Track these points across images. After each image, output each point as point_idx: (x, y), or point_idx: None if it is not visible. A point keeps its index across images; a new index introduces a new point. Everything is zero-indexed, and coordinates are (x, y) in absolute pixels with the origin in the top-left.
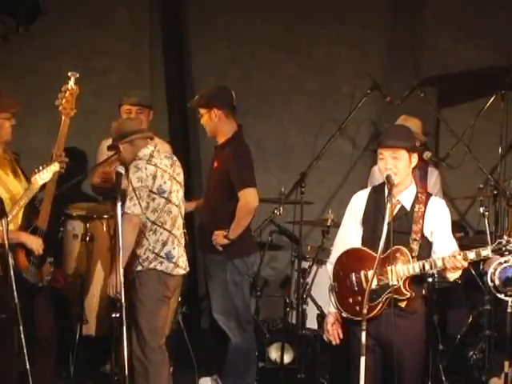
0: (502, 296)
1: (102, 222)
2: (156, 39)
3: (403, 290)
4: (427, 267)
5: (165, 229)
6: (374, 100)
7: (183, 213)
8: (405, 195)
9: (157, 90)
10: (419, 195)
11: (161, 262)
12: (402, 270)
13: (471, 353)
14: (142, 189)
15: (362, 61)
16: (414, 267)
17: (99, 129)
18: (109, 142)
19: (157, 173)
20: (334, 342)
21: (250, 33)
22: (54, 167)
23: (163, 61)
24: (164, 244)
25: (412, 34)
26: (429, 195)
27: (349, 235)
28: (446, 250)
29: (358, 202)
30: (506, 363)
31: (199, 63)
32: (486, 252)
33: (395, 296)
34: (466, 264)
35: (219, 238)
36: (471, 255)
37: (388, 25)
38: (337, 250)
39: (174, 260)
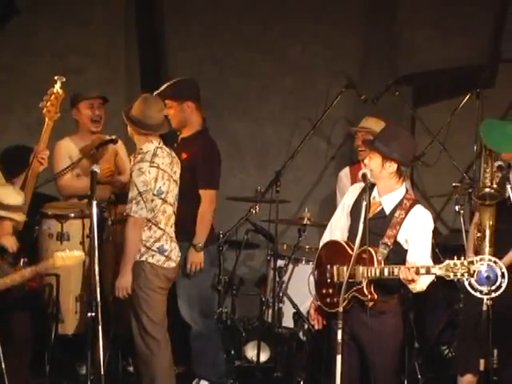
0: (477, 294)
1: (77, 221)
2: (132, 39)
3: (365, 291)
4: (386, 273)
5: (159, 227)
6: (349, 98)
7: (175, 211)
8: (388, 198)
9: (132, 89)
10: (404, 201)
11: (152, 255)
12: (364, 271)
13: (446, 351)
14: (147, 192)
15: (338, 59)
16: (376, 271)
17: (74, 128)
18: (68, 142)
19: (158, 175)
20: (316, 327)
21: (226, 32)
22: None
23: (139, 60)
24: (156, 241)
25: (387, 33)
26: (414, 203)
27: (338, 222)
28: (416, 260)
29: (351, 195)
30: (482, 361)
31: (175, 62)
32: (435, 270)
33: (357, 295)
34: (417, 278)
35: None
36: (422, 270)
37: (363, 24)
38: (328, 232)
39: (166, 253)
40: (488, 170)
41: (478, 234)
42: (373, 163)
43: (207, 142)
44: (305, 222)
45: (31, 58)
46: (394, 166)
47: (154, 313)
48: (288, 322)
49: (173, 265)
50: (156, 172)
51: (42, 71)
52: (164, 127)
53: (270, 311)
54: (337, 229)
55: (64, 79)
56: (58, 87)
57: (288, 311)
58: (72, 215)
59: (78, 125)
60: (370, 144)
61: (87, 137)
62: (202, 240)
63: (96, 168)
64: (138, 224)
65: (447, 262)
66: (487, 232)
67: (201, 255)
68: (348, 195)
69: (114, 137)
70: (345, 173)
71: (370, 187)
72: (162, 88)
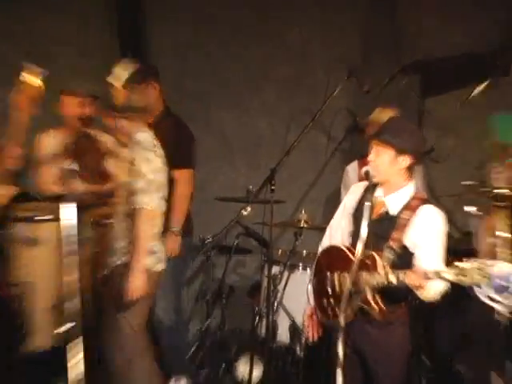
0: (489, 302)
1: (49, 224)
2: (113, 24)
3: (370, 300)
4: (391, 280)
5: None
6: (351, 88)
7: None
8: (393, 198)
9: None
10: (412, 201)
11: None
12: (368, 278)
13: (457, 365)
14: (156, 181)
15: (338, 46)
16: (380, 278)
17: (51, 122)
18: (49, 137)
19: (162, 166)
20: (310, 339)
21: (213, 15)
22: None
23: (120, 48)
24: None
25: (392, 18)
26: (423, 202)
27: (339, 225)
28: (427, 267)
29: (353, 195)
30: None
31: (159, 49)
32: (445, 274)
33: (362, 305)
34: (424, 283)
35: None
36: (431, 274)
37: (366, 8)
38: (327, 236)
39: (157, 255)
40: (500, 169)
41: (492, 239)
42: (381, 159)
43: (174, 120)
44: (302, 225)
45: (6, 46)
46: (408, 160)
47: (135, 320)
48: (283, 335)
49: (162, 267)
50: (161, 163)
51: (18, 59)
52: (148, 111)
53: (264, 323)
54: (337, 232)
55: (48, 73)
56: (35, 79)
57: (283, 323)
58: (45, 218)
59: (64, 120)
60: (379, 137)
61: (72, 132)
62: (179, 224)
63: (74, 166)
64: (150, 216)
65: (457, 264)
66: (502, 235)
67: (178, 240)
68: (349, 195)
69: (90, 131)
70: (352, 167)
71: (373, 186)
72: (120, 74)
